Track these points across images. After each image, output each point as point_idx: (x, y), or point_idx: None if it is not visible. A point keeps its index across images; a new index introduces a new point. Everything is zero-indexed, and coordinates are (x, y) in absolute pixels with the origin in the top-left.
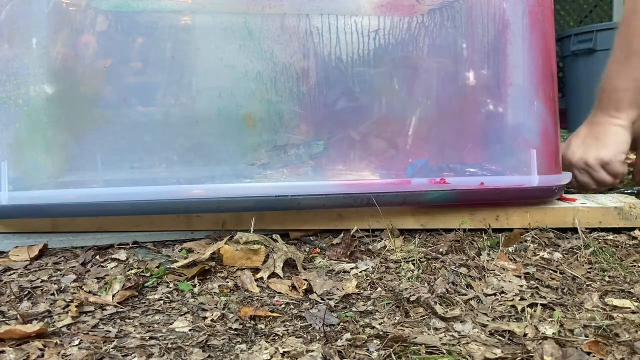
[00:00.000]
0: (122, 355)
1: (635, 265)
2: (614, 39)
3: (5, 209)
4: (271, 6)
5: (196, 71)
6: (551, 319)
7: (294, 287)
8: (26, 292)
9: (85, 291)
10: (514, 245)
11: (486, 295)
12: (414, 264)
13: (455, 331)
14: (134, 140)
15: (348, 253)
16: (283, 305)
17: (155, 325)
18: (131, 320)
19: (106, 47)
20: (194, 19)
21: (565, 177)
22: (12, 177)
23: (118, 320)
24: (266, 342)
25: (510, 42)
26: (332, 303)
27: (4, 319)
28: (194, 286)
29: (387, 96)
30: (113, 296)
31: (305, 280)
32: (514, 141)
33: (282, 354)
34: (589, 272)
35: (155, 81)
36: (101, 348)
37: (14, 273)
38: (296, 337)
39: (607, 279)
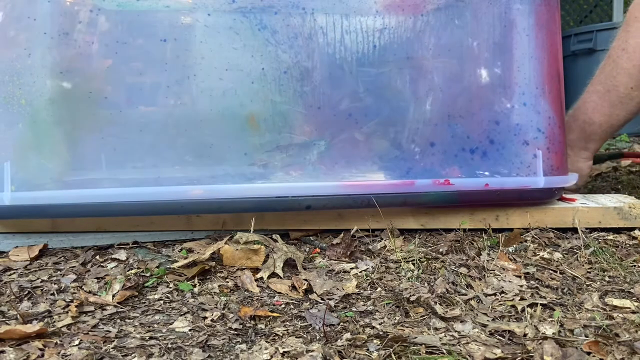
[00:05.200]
0: (122, 355)
1: (635, 265)
2: (597, 70)
3: (8, 210)
4: (275, 5)
5: (200, 71)
6: (551, 319)
7: (294, 287)
8: (26, 292)
9: (85, 291)
10: (514, 245)
11: (486, 295)
12: (414, 264)
13: (455, 331)
14: (137, 140)
15: (348, 253)
16: (283, 305)
17: (155, 325)
18: (131, 320)
19: (110, 46)
20: (198, 18)
21: (571, 178)
22: (14, 178)
23: (118, 320)
24: (266, 342)
25: (516, 42)
26: (332, 303)
27: (4, 319)
28: (194, 286)
29: (391, 96)
30: (113, 296)
31: (305, 280)
32: (519, 141)
33: (282, 354)
34: (589, 272)
35: (159, 81)
36: (101, 348)
37: (14, 273)
38: (296, 337)
39: (607, 279)
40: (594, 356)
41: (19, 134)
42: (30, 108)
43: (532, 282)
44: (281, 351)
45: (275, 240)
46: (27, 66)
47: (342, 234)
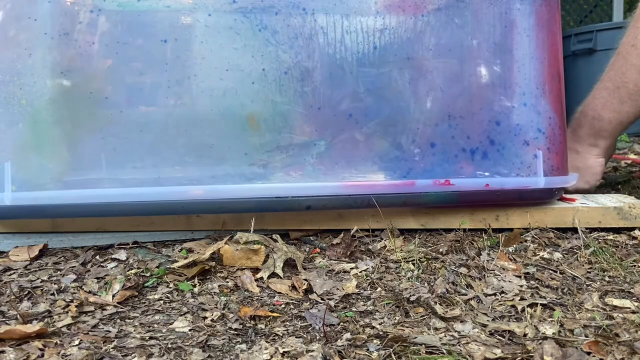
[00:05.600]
0: (122, 355)
1: (635, 265)
2: (607, 66)
3: (9, 210)
4: (276, 5)
5: (200, 71)
6: (551, 319)
7: (294, 287)
8: (26, 292)
9: (85, 291)
10: (514, 245)
11: (486, 295)
12: (414, 264)
13: (455, 331)
14: (138, 140)
15: (348, 253)
16: (283, 305)
17: (155, 325)
18: (131, 320)
19: (110, 46)
20: (199, 18)
21: (572, 179)
22: (15, 178)
23: (118, 320)
24: (266, 342)
25: (517, 42)
26: (332, 303)
27: (4, 319)
28: (194, 286)
29: (391, 96)
30: (113, 296)
31: (305, 280)
32: (519, 141)
33: (282, 354)
34: (589, 272)
35: (159, 81)
36: (101, 348)
37: (14, 273)
38: (296, 337)
39: (607, 279)
40: (594, 356)
41: (19, 134)
42: (31, 108)
43: (532, 282)
44: (281, 351)
45: (275, 240)
46: (28, 66)
47: (342, 234)
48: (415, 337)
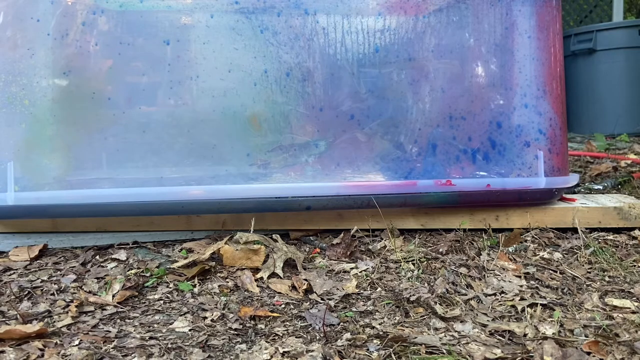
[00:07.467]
0: (122, 355)
1: (635, 265)
2: None
3: (12, 210)
4: (277, 6)
5: (202, 71)
6: (551, 319)
7: (294, 287)
8: (26, 292)
9: (85, 291)
10: (514, 245)
11: (486, 295)
12: (414, 264)
13: (455, 331)
14: (140, 140)
15: (348, 253)
16: (283, 305)
17: (155, 325)
18: (131, 320)
19: (112, 47)
20: (201, 19)
21: (572, 179)
22: (18, 178)
23: (118, 320)
24: (266, 342)
25: (518, 43)
26: (332, 303)
27: (4, 319)
28: (194, 286)
29: (392, 97)
30: (113, 296)
31: (305, 280)
32: (520, 142)
33: (282, 354)
34: (589, 272)
35: (160, 81)
36: (101, 348)
37: (14, 273)
38: (296, 337)
39: (607, 279)
40: (594, 356)
41: (22, 134)
42: (34, 108)
43: (532, 282)
44: (281, 351)
45: (275, 240)
46: (31, 66)
47: (342, 234)
48: (415, 337)
